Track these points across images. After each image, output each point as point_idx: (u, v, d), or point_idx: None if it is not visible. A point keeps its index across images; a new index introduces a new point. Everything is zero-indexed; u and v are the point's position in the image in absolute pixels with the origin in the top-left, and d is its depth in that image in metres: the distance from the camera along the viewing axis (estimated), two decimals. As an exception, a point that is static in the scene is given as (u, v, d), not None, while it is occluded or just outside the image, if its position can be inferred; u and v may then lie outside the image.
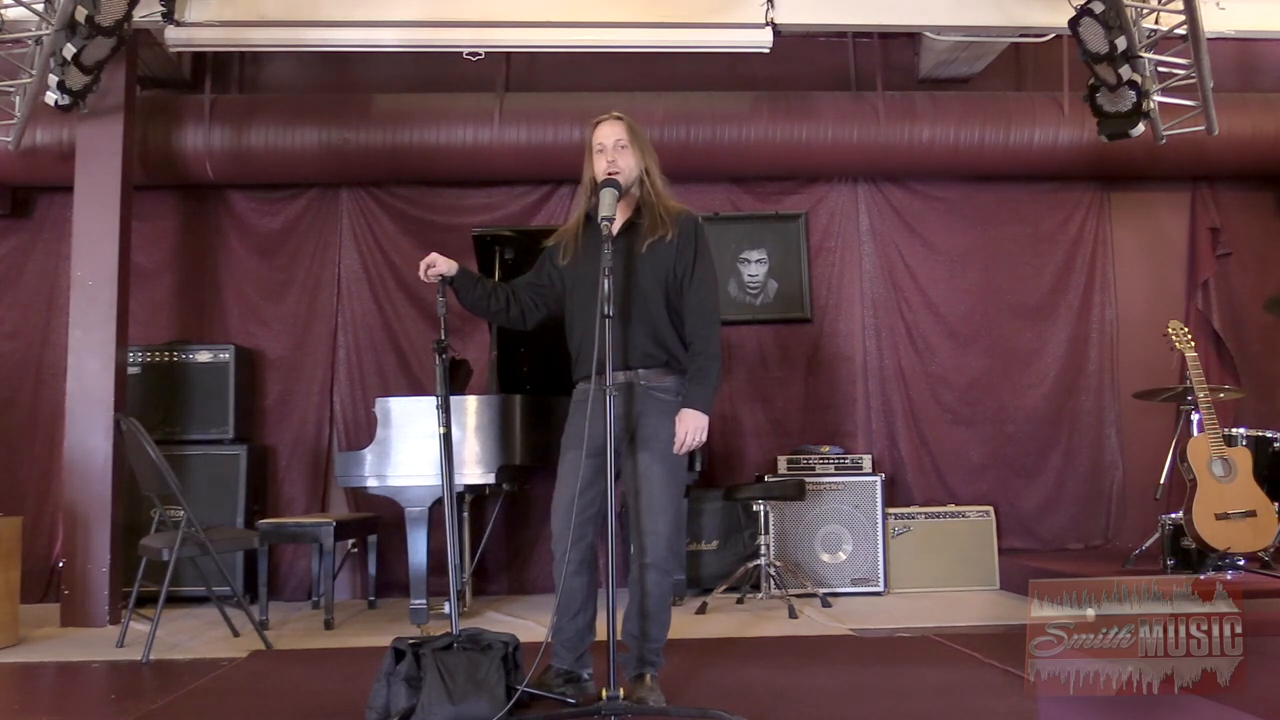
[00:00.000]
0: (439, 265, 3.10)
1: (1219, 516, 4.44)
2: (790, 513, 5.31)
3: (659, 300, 3.06)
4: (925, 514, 5.51)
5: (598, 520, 3.04)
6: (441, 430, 2.99)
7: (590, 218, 3.10)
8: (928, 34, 5.50)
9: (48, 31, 4.26)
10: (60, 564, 4.79)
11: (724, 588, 4.99)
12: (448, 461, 3.04)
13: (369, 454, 4.52)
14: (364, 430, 5.60)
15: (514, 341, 4.96)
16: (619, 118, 3.11)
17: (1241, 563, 4.45)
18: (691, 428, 2.99)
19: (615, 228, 3.03)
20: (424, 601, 4.45)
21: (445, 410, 3.01)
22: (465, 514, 4.98)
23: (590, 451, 2.93)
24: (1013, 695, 2.90)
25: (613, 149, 3.07)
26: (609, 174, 3.03)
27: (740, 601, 4.96)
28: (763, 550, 4.98)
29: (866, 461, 5.52)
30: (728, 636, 4.19)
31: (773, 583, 4.94)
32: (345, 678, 3.42)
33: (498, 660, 2.77)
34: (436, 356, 3.02)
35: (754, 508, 5.07)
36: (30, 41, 4.44)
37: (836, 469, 5.44)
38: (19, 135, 4.80)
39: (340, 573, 5.46)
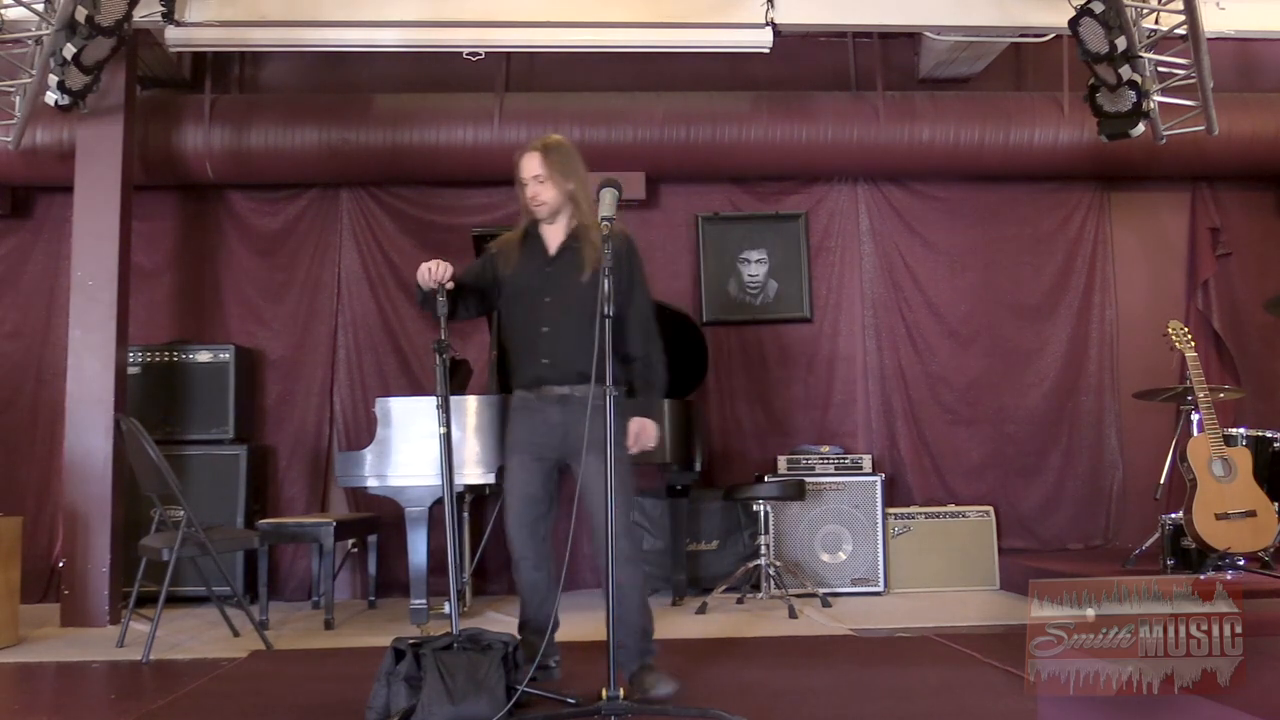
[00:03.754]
0: (446, 277, 3.13)
1: (1219, 516, 4.44)
2: (790, 513, 5.32)
3: (599, 312, 3.13)
4: (925, 514, 5.51)
5: (550, 521, 3.25)
6: (442, 430, 2.99)
7: (529, 234, 3.28)
8: (928, 34, 5.50)
9: (48, 31, 4.25)
10: (60, 564, 4.79)
11: (724, 588, 4.98)
12: (448, 461, 3.04)
13: (369, 454, 4.52)
14: (364, 430, 5.60)
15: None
16: (535, 150, 3.23)
17: (1241, 563, 4.45)
18: (645, 434, 3.14)
19: (552, 249, 3.24)
20: (424, 601, 4.45)
21: (445, 410, 3.01)
22: (465, 514, 4.98)
23: (539, 458, 3.17)
24: (1013, 695, 2.89)
25: (532, 184, 3.21)
26: (535, 204, 3.21)
27: (740, 601, 4.96)
28: (763, 550, 4.98)
29: (866, 461, 5.52)
30: (728, 636, 4.18)
31: (773, 583, 4.94)
32: (345, 678, 3.42)
33: (498, 660, 2.77)
34: (436, 356, 3.03)
35: (754, 508, 5.07)
36: (30, 41, 4.43)
37: (836, 469, 5.44)
38: (19, 135, 4.80)
39: (340, 573, 5.46)
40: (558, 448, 3.17)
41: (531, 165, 3.21)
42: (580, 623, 4.35)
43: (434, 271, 3.12)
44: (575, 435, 3.06)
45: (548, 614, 3.13)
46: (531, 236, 3.29)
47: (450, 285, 3.13)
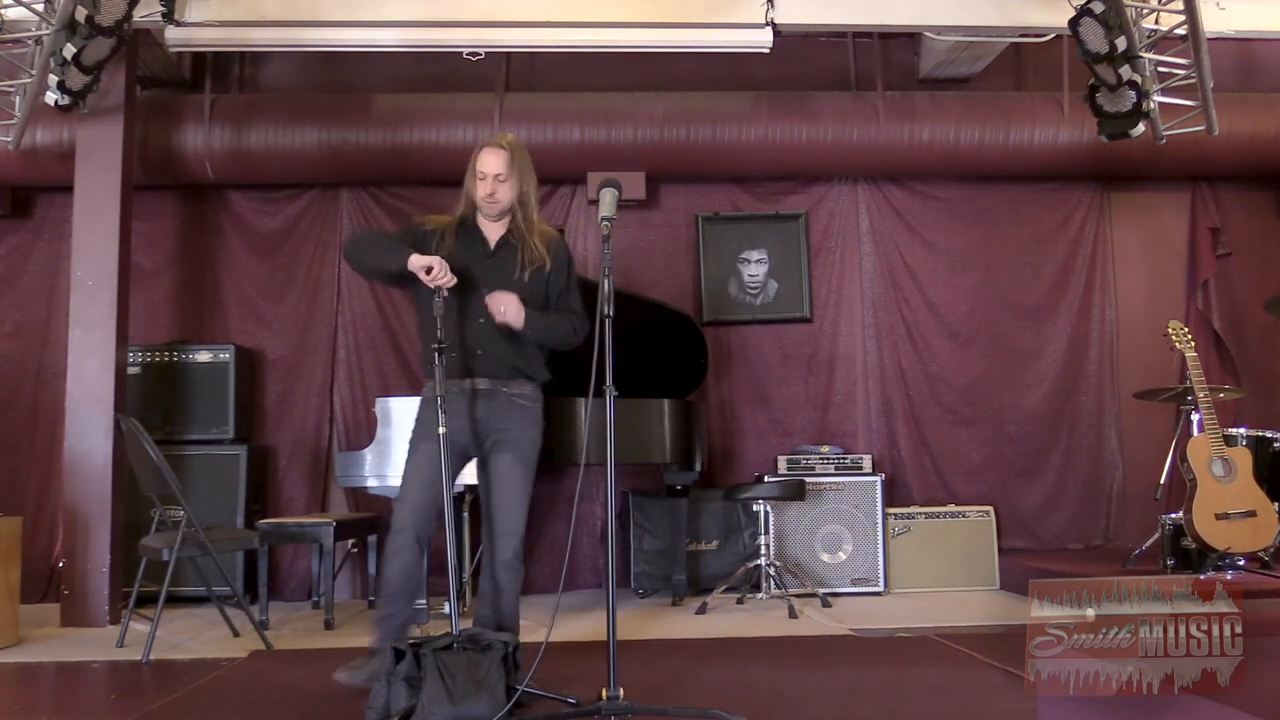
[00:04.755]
0: (449, 283, 3.10)
1: (1219, 516, 4.44)
2: (790, 513, 5.32)
3: (535, 308, 3.24)
4: (925, 514, 5.51)
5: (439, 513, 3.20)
6: (442, 430, 2.99)
7: (465, 223, 3.28)
8: (928, 34, 5.49)
9: (48, 31, 4.25)
10: (60, 564, 4.79)
11: (724, 588, 4.98)
12: (448, 461, 3.04)
13: (369, 454, 4.52)
14: (364, 430, 5.60)
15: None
16: (502, 147, 3.24)
17: (1241, 563, 4.45)
18: (508, 304, 3.13)
19: (492, 243, 3.26)
20: (424, 601, 4.45)
21: (444, 410, 3.00)
22: (465, 514, 4.98)
23: (457, 450, 3.18)
24: (1013, 695, 2.89)
25: (492, 180, 3.21)
26: (491, 200, 3.22)
27: (740, 601, 4.96)
28: (763, 550, 4.98)
29: (866, 461, 5.52)
30: (728, 636, 4.18)
31: (773, 583, 4.94)
32: (345, 678, 3.42)
33: (498, 660, 2.77)
34: (436, 356, 3.02)
35: (754, 508, 5.08)
36: (30, 41, 4.43)
37: (836, 469, 5.45)
38: (19, 135, 4.80)
39: (340, 573, 5.45)
40: (468, 442, 3.22)
41: (496, 163, 3.22)
42: (580, 623, 4.35)
43: (441, 277, 3.08)
44: (493, 431, 3.17)
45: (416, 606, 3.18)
46: (469, 227, 3.30)
47: (449, 282, 3.10)
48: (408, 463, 3.23)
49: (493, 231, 3.30)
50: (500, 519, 3.17)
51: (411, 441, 3.26)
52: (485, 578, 3.22)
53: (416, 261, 3.09)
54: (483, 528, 3.15)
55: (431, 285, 3.08)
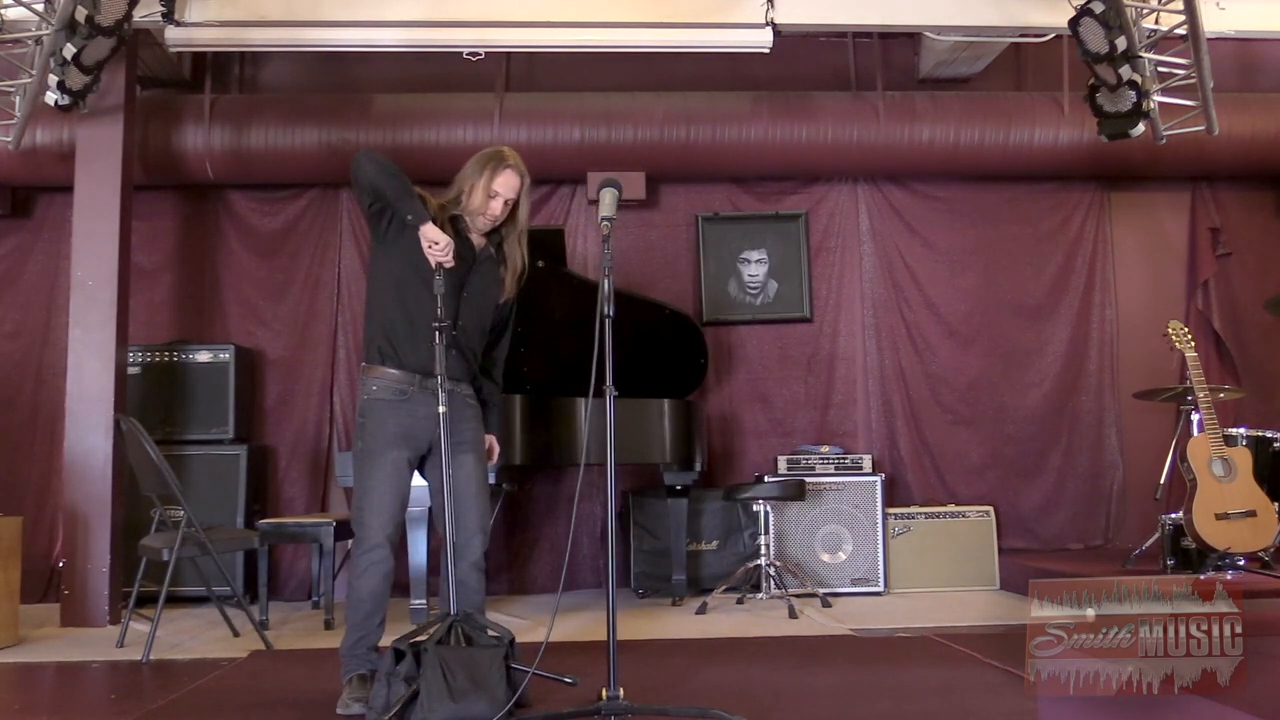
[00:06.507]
0: (447, 261, 3.03)
1: (1219, 516, 4.44)
2: (790, 513, 5.32)
3: (488, 328, 3.31)
4: (925, 514, 5.51)
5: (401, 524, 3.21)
6: (442, 409, 2.95)
7: (454, 223, 3.18)
8: (928, 34, 5.49)
9: (48, 31, 4.25)
10: (60, 564, 4.79)
11: (724, 588, 4.98)
12: (448, 442, 2.95)
13: (369, 454, 4.50)
14: (364, 430, 5.59)
15: (514, 341, 4.95)
16: (522, 175, 3.20)
17: (1241, 563, 4.45)
18: (496, 448, 3.32)
19: (477, 254, 3.21)
20: (424, 601, 4.46)
21: (444, 389, 2.96)
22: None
23: (411, 457, 3.13)
24: (1013, 695, 2.90)
25: (503, 203, 3.18)
26: (492, 219, 3.19)
27: (740, 601, 4.96)
28: (763, 550, 4.98)
29: (866, 461, 5.52)
30: (728, 637, 4.18)
31: (773, 583, 4.94)
32: (345, 678, 3.41)
33: (499, 658, 2.77)
34: (435, 335, 2.97)
35: (754, 508, 5.07)
36: (30, 41, 4.43)
37: (836, 469, 5.44)
38: (19, 135, 4.80)
39: (340, 573, 5.44)
40: (426, 444, 3.13)
41: (514, 186, 3.17)
42: (579, 622, 4.35)
43: (443, 255, 3.01)
44: (453, 432, 3.03)
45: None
46: (459, 230, 3.19)
47: (450, 264, 3.06)
48: (370, 470, 3.08)
49: (477, 240, 3.25)
50: (469, 519, 3.10)
51: (367, 448, 3.09)
52: (447, 579, 3.02)
53: (432, 231, 3.01)
54: (443, 528, 3.04)
55: (432, 260, 3.01)
